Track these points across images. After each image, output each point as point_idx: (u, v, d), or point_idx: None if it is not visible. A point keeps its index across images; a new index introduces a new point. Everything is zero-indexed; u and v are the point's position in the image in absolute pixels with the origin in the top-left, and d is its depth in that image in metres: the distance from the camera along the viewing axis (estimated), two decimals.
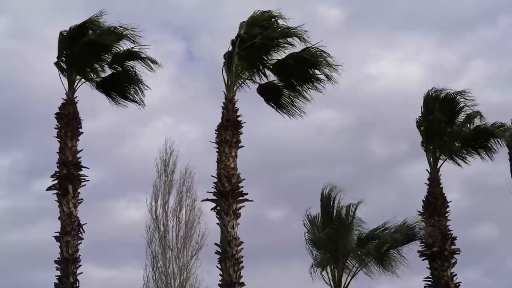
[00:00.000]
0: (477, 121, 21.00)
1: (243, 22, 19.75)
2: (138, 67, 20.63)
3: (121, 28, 20.04)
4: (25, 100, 42.17)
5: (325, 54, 19.30)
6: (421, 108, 21.23)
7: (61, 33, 20.06)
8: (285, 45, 19.62)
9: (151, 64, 20.39)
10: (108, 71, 20.86)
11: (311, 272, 19.47)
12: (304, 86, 20.00)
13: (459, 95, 20.96)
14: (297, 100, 20.35)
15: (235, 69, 19.50)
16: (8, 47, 39.94)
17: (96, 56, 20.32)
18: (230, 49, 19.64)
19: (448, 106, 20.94)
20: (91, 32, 20.03)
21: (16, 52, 39.61)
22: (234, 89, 19.57)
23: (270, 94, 20.51)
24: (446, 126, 20.91)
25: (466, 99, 21.01)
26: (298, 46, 19.46)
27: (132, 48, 20.26)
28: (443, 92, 20.98)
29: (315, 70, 19.68)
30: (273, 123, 38.12)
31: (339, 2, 46.83)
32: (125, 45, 20.34)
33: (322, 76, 19.62)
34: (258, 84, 20.38)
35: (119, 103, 21.21)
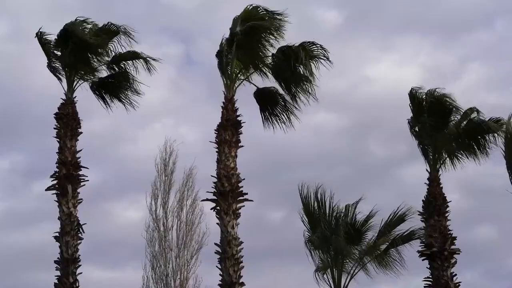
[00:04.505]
0: (474, 117, 20.91)
1: (237, 16, 19.54)
2: (136, 67, 20.65)
3: (113, 27, 20.04)
4: (24, 102, 42.20)
5: (317, 47, 19.33)
6: (410, 106, 21.18)
7: (39, 36, 19.91)
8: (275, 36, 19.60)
9: (151, 64, 20.39)
10: (105, 72, 20.88)
11: (315, 276, 19.47)
12: (299, 84, 19.97)
13: (447, 98, 20.88)
14: (292, 108, 20.28)
15: (233, 68, 19.51)
16: (7, 49, 39.97)
17: (90, 56, 20.26)
18: (224, 47, 19.62)
19: (438, 107, 20.87)
20: (83, 30, 19.95)
21: (15, 54, 39.60)
22: (234, 88, 19.59)
23: (265, 102, 20.42)
24: (439, 127, 20.86)
25: (454, 101, 20.96)
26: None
27: (129, 50, 20.34)
28: (429, 94, 20.86)
29: (302, 66, 19.66)
30: None
31: (337, 4, 46.99)
32: (119, 45, 20.41)
33: (314, 70, 19.62)
34: (256, 88, 20.38)
35: (110, 105, 21.18)
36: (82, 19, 20.04)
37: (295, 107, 20.23)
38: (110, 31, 20.16)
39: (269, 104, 20.47)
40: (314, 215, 19.64)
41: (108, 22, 20.11)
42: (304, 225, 19.85)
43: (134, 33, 20.09)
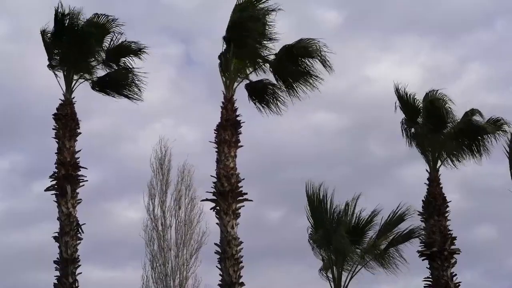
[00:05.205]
0: (476, 119, 20.90)
1: (236, 5, 19.38)
2: (134, 62, 20.61)
3: (103, 18, 19.86)
4: (24, 102, 42.23)
5: (318, 44, 19.30)
6: (399, 106, 21.13)
7: (42, 33, 19.83)
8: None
9: (140, 54, 20.31)
10: (104, 69, 20.75)
11: (321, 275, 19.47)
12: (300, 82, 19.96)
13: (443, 100, 20.85)
14: (283, 95, 20.31)
15: (232, 68, 19.48)
16: (7, 49, 39.98)
17: (87, 51, 20.14)
18: (224, 47, 19.61)
19: (435, 111, 20.84)
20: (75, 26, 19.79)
21: (15, 54, 39.63)
22: (233, 88, 19.58)
23: (256, 91, 20.44)
24: (437, 129, 20.83)
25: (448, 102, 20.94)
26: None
27: (123, 42, 20.26)
28: (424, 98, 20.84)
29: (309, 61, 19.67)
30: (271, 123, 38.20)
31: (337, 4, 46.96)
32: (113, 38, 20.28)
33: (316, 67, 19.63)
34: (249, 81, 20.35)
35: (115, 98, 21.14)
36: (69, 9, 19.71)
37: (290, 97, 20.28)
38: (99, 24, 19.94)
39: (259, 93, 20.48)
40: (318, 213, 19.66)
41: (95, 14, 19.82)
42: (309, 221, 19.88)
43: (132, 32, 20.19)
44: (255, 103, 20.57)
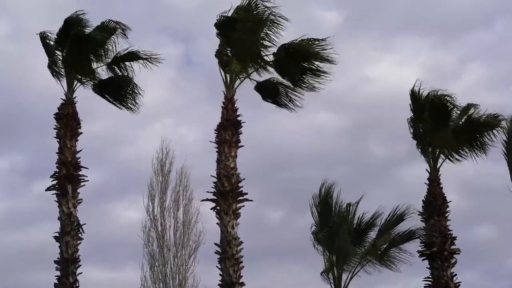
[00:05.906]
0: (472, 113, 20.89)
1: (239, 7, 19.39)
2: (136, 68, 20.64)
3: (112, 23, 19.89)
4: (24, 102, 42.26)
5: (320, 43, 19.38)
6: (410, 106, 21.17)
7: (41, 35, 19.90)
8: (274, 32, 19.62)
9: (150, 62, 20.31)
10: (107, 72, 20.77)
11: (323, 276, 19.49)
12: (303, 79, 19.99)
13: (448, 97, 20.89)
14: (295, 94, 20.34)
15: (233, 68, 19.49)
16: (7, 49, 40.01)
17: (89, 54, 20.17)
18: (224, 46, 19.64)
19: (438, 107, 20.86)
20: (80, 29, 19.82)
21: (15, 54, 39.65)
22: (234, 88, 19.60)
23: (268, 92, 20.45)
24: (439, 127, 20.85)
25: (454, 100, 20.97)
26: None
27: (129, 48, 20.31)
28: (430, 93, 20.85)
29: (311, 61, 19.72)
30: (272, 123, 38.24)
31: (337, 4, 47.00)
32: (117, 43, 20.29)
33: (319, 65, 19.72)
34: (256, 82, 20.36)
35: (115, 105, 21.17)
36: (81, 13, 19.78)
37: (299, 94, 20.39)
38: (108, 28, 20.02)
39: (272, 92, 20.50)
40: (325, 212, 19.72)
41: (107, 20, 19.89)
42: (313, 218, 19.92)
43: (132, 32, 20.14)
44: (268, 102, 20.62)
